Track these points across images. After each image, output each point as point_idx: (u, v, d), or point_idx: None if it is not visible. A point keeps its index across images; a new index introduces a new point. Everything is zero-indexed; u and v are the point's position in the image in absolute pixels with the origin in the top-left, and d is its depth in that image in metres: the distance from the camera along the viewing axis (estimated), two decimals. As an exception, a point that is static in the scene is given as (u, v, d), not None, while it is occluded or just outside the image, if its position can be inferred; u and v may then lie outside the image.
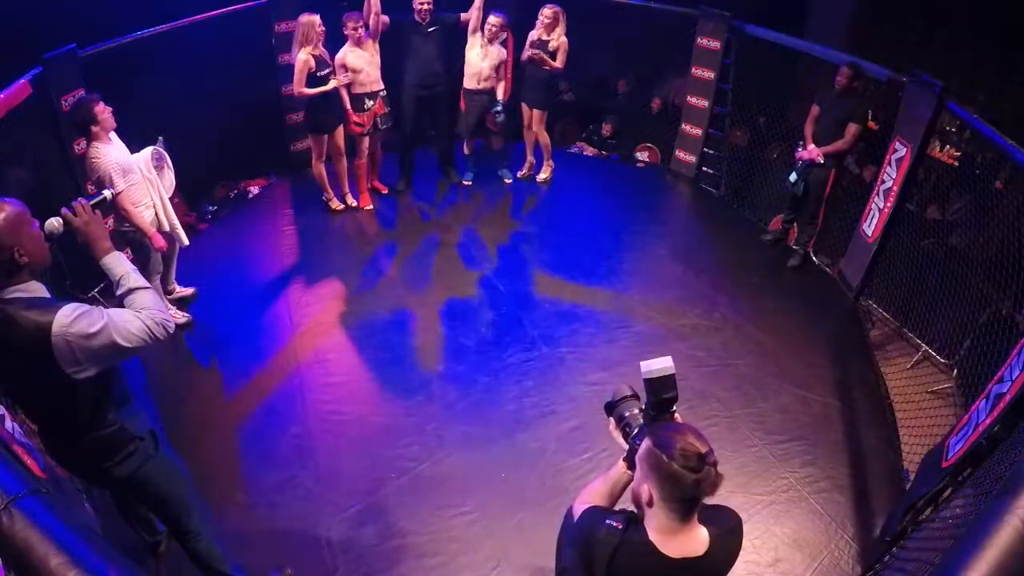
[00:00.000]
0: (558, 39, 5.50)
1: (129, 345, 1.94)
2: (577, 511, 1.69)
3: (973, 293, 4.23)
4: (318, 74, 5.01)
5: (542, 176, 6.35)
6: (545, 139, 6.13)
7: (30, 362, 1.89)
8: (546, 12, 5.49)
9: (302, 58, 4.91)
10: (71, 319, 1.87)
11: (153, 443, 2.30)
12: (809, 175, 4.98)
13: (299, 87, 4.98)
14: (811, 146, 4.92)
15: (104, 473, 2.24)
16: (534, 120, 5.97)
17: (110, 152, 3.68)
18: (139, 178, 3.84)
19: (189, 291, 4.67)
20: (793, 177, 5.06)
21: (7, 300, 1.89)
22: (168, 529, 2.62)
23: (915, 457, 3.56)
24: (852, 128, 4.74)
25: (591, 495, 1.80)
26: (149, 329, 1.96)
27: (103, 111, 3.64)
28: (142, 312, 1.99)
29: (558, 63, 5.56)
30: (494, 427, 3.76)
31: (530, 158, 6.39)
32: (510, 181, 6.32)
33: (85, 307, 1.93)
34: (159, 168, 4.04)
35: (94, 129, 3.62)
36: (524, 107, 5.99)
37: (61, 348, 1.85)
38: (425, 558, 3.07)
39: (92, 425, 2.12)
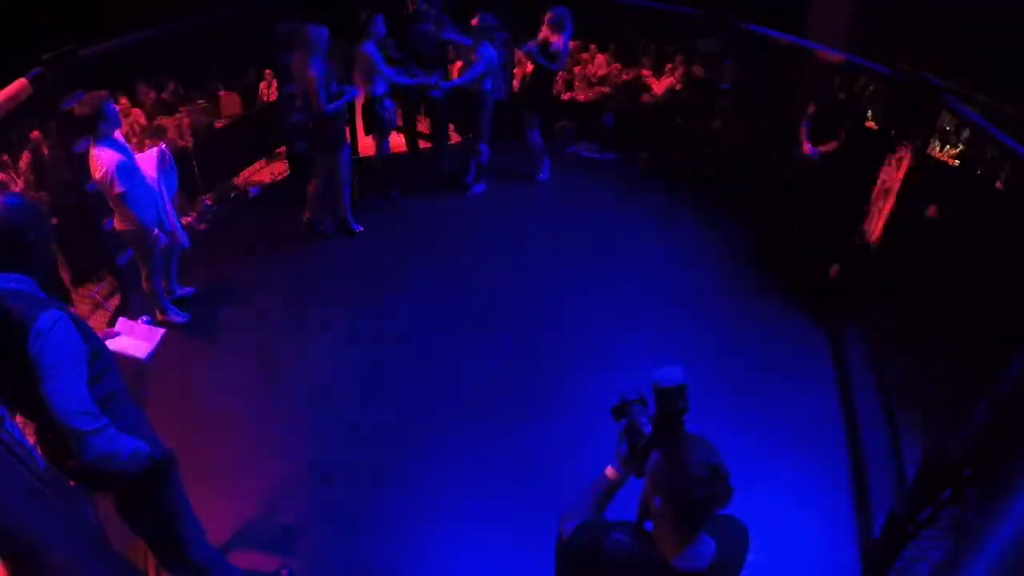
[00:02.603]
0: (560, 43, 5.53)
1: (52, 396, 1.86)
2: (567, 528, 1.66)
3: (973, 293, 4.23)
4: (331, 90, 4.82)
5: (540, 176, 6.39)
6: (531, 139, 6.11)
7: (16, 357, 1.87)
8: (551, 14, 5.54)
9: (318, 76, 4.67)
10: (52, 325, 1.85)
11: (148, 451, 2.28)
12: (803, 174, 4.99)
13: (320, 104, 4.70)
14: (806, 145, 4.93)
15: (97, 480, 2.22)
16: (527, 120, 6.00)
17: (114, 151, 3.68)
18: (141, 178, 3.85)
19: (188, 291, 4.67)
20: (788, 177, 5.08)
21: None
22: (162, 535, 2.57)
23: (915, 457, 3.55)
24: (847, 128, 4.76)
25: (580, 507, 1.77)
26: (68, 419, 1.88)
27: (111, 109, 3.67)
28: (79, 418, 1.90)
29: (557, 63, 5.60)
30: (494, 428, 3.76)
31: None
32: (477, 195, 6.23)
33: (72, 329, 1.90)
34: (162, 169, 4.05)
35: (101, 126, 3.63)
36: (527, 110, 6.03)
37: (33, 349, 1.84)
38: (425, 559, 3.07)
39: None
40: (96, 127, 3.64)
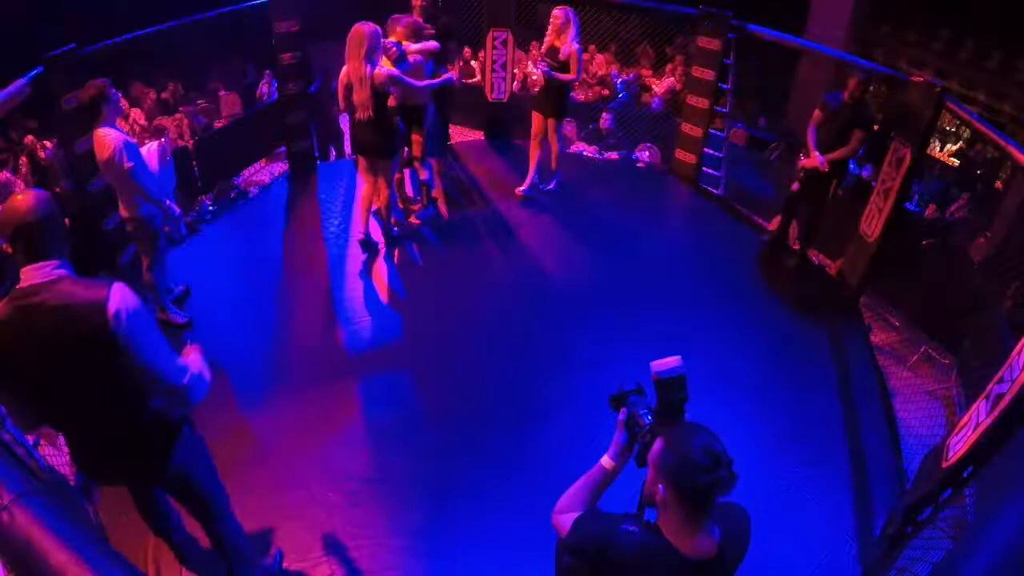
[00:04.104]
0: (569, 46, 5.18)
1: (157, 365, 2.03)
2: (566, 521, 1.66)
3: (973, 292, 4.24)
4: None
5: (550, 187, 6.08)
6: (556, 147, 5.82)
7: (84, 347, 1.91)
8: (556, 14, 5.22)
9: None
10: (123, 297, 1.94)
11: (191, 422, 2.33)
12: (811, 182, 4.91)
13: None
14: (815, 154, 4.82)
15: (153, 467, 2.24)
16: (549, 128, 5.65)
17: (119, 132, 3.72)
18: (145, 162, 3.88)
19: (181, 288, 4.68)
20: (796, 187, 5.01)
21: (52, 281, 1.90)
22: (197, 513, 2.56)
23: (915, 457, 3.56)
24: (858, 134, 4.65)
25: (574, 500, 1.77)
26: (176, 379, 2.09)
27: (113, 93, 3.70)
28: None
29: (571, 73, 5.25)
30: (493, 426, 3.76)
31: (531, 176, 5.99)
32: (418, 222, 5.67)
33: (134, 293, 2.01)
34: (162, 164, 4.09)
35: (105, 109, 3.66)
36: (537, 116, 5.67)
37: (119, 327, 1.91)
38: (425, 557, 3.07)
39: (142, 411, 2.13)
40: (100, 111, 3.66)
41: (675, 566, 1.50)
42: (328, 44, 5.57)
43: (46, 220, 1.92)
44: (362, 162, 4.88)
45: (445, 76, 5.11)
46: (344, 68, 4.47)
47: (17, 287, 1.90)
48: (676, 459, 1.45)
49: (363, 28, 4.31)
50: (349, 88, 4.48)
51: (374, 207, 5.15)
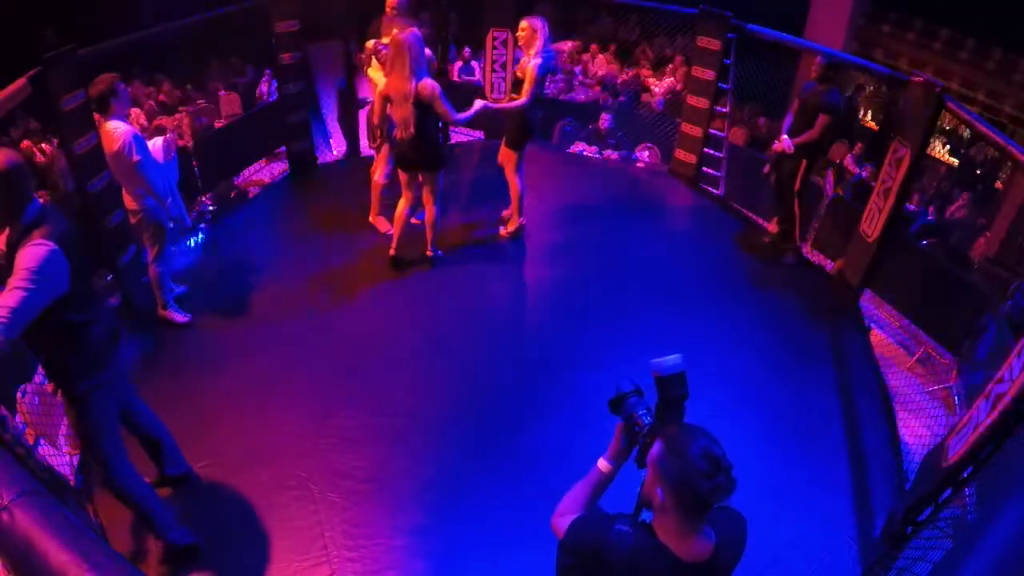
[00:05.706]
0: (530, 60, 4.60)
1: None
2: (564, 523, 1.66)
3: (973, 292, 4.25)
4: None
5: (508, 229, 5.42)
6: (515, 185, 5.16)
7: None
8: (521, 26, 4.70)
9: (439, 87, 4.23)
10: None
11: None
12: (780, 167, 5.02)
13: (452, 116, 4.27)
14: (783, 137, 4.96)
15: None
16: (505, 160, 5.08)
17: (128, 126, 3.74)
18: (151, 156, 3.91)
19: (182, 289, 4.67)
20: (766, 170, 5.16)
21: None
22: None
23: (915, 457, 3.56)
24: (821, 119, 4.79)
25: (573, 503, 1.77)
26: None
27: (122, 88, 3.75)
28: None
29: (522, 96, 4.65)
30: (494, 427, 3.76)
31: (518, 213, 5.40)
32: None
33: None
34: (167, 158, 4.12)
35: (113, 103, 3.71)
36: (502, 145, 5.12)
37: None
38: (425, 557, 3.07)
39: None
40: (108, 105, 3.71)
41: (668, 567, 1.50)
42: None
43: (19, 166, 2.15)
44: (403, 177, 4.68)
45: (479, 105, 4.56)
46: (384, 82, 4.23)
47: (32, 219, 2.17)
48: (676, 463, 1.45)
49: (403, 37, 4.04)
50: (387, 101, 4.24)
51: (423, 221, 4.96)
